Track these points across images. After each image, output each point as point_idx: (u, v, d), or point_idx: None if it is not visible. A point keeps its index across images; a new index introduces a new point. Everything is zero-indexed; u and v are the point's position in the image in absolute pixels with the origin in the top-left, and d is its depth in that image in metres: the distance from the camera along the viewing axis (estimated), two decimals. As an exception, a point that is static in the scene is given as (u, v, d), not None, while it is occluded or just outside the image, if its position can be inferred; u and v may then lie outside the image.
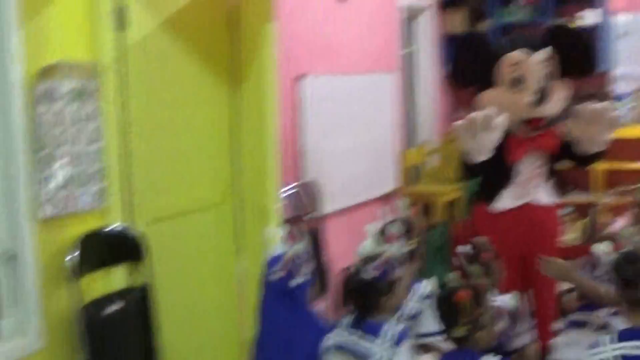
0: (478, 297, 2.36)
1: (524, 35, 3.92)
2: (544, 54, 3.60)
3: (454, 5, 5.94)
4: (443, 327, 2.41)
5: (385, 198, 5.10)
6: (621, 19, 5.57)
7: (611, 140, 3.53)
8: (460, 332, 2.32)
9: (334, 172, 4.54)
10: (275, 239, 2.55)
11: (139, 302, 3.05)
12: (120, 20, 2.96)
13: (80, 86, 2.83)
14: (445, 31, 5.93)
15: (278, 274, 2.54)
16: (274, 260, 2.58)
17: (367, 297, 2.53)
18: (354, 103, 4.83)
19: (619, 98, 5.36)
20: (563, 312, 3.72)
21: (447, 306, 2.37)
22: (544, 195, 3.69)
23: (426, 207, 4.95)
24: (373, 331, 2.51)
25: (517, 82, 3.57)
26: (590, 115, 3.42)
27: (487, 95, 3.65)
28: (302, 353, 2.51)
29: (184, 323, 3.36)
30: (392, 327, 2.53)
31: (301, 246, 2.56)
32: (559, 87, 3.66)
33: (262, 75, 3.37)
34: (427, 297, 3.01)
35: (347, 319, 2.58)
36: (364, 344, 2.51)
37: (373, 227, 2.51)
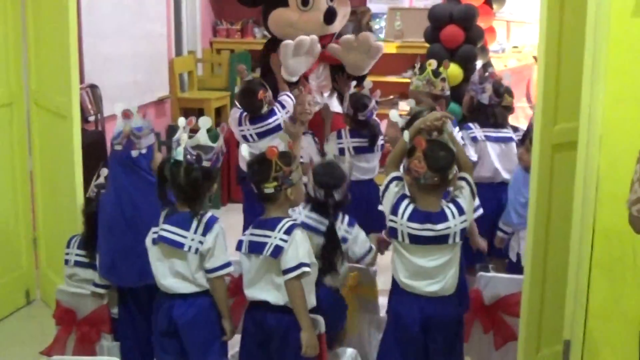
0: (288, 156, 2.19)
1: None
2: None
3: None
4: (255, 182, 2.17)
5: (159, 103, 4.85)
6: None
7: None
8: (269, 187, 2.15)
9: (111, 77, 4.14)
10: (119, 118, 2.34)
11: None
12: None
13: None
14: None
15: (118, 145, 2.37)
16: (117, 135, 2.39)
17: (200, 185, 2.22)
18: (128, 10, 4.40)
19: (375, 16, 5.32)
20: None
21: (260, 162, 2.17)
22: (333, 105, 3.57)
23: (199, 112, 4.83)
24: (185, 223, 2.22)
25: (306, 2, 3.44)
26: (355, 44, 3.39)
27: (278, 13, 3.47)
28: (145, 213, 2.35)
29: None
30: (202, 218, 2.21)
31: (139, 122, 2.37)
32: (341, 6, 3.58)
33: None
34: None
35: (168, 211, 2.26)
36: (181, 234, 2.22)
37: (205, 120, 2.23)
